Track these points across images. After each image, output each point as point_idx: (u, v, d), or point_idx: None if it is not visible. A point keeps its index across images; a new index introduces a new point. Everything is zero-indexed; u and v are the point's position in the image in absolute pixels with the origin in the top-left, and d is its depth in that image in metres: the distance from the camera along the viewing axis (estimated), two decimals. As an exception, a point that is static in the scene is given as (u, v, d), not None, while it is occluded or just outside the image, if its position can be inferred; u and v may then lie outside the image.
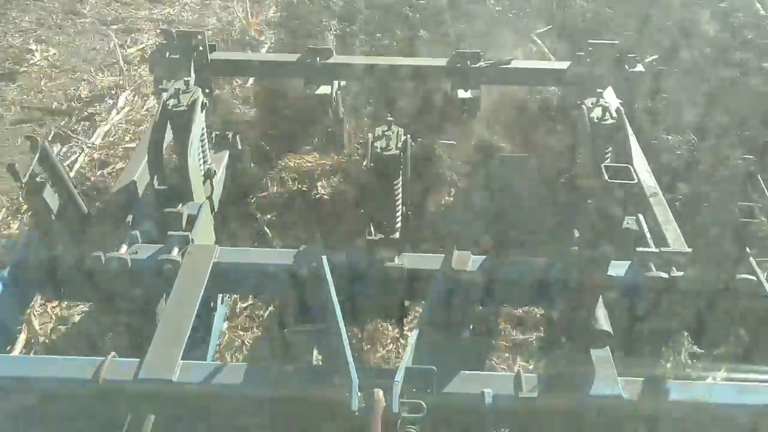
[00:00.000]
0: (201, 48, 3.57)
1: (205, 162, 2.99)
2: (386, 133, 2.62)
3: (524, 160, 3.62)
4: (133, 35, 5.62)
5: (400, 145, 2.57)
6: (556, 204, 2.92)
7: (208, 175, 3.00)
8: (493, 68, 3.59)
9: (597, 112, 2.82)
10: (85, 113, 4.59)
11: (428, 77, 3.79)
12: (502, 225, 3.06)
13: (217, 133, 3.43)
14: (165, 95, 2.85)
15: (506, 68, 3.60)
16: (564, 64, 3.59)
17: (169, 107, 2.79)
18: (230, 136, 3.47)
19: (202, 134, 2.94)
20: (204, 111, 2.91)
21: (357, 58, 4.33)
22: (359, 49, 5.14)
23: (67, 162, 4.10)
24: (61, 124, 4.49)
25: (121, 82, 4.95)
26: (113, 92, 4.83)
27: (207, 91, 3.44)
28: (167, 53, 3.54)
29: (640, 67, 3.49)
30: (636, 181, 2.02)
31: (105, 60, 5.27)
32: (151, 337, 2.13)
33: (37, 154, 2.31)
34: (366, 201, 2.92)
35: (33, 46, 5.33)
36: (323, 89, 3.76)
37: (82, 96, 4.80)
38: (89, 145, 4.29)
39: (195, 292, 2.28)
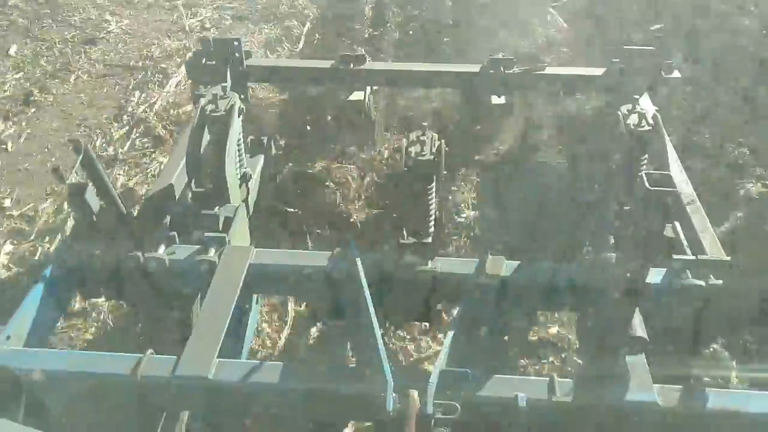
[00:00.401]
0: (237, 54, 3.63)
1: (241, 166, 3.04)
2: (420, 138, 2.63)
3: (560, 166, 3.61)
4: (193, 9, 6.43)
5: (434, 150, 2.58)
6: (591, 210, 2.90)
7: (244, 179, 3.04)
8: (527, 74, 3.59)
9: (633, 119, 2.80)
10: (159, 68, 5.38)
11: (462, 83, 3.80)
12: (537, 231, 3.05)
13: (252, 137, 3.47)
14: (203, 100, 2.90)
15: (540, 74, 3.59)
16: (599, 71, 3.57)
17: (207, 112, 2.84)
18: (265, 140, 3.51)
19: (239, 139, 2.98)
20: (241, 116, 2.95)
21: (390, 65, 4.37)
22: (393, 20, 5.85)
23: (147, 104, 4.89)
24: (139, 77, 5.30)
25: (186, 44, 5.72)
26: (180, 53, 5.57)
27: (243, 96, 3.50)
28: (204, 59, 3.61)
29: (676, 74, 3.45)
30: (677, 189, 2.01)
31: (170, 29, 6.10)
32: (188, 336, 2.17)
33: (81, 156, 2.37)
34: (399, 205, 2.93)
35: (108, 18, 6.21)
36: (356, 95, 3.81)
37: (154, 56, 5.56)
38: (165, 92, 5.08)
39: (231, 292, 2.31)
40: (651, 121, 2.79)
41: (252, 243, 2.86)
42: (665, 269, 2.32)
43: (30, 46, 5.67)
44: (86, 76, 5.31)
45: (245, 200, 3.02)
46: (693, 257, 2.38)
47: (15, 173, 4.20)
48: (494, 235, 3.32)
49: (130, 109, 4.84)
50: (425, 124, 2.67)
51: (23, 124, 4.64)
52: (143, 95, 5.01)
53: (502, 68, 3.57)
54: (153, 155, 4.35)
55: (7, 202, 3.96)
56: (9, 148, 4.39)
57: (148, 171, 4.21)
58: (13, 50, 5.61)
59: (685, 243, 2.54)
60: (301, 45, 5.72)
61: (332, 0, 6.31)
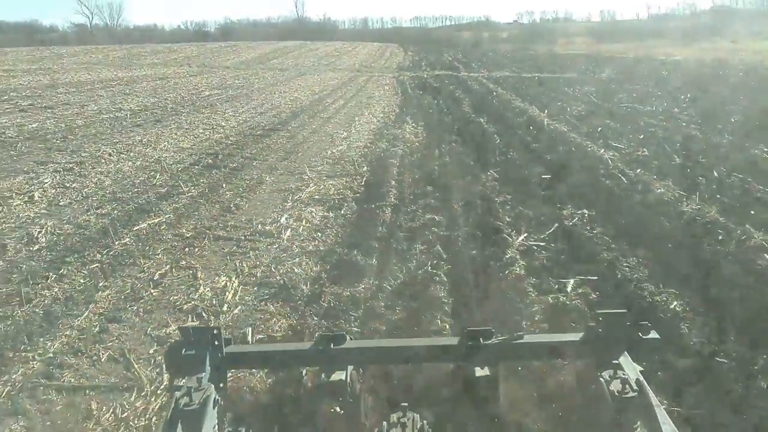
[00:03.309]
0: (216, 342, 3.62)
1: (215, 462, 2.87)
2: (401, 419, 2.54)
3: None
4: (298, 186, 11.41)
5: (417, 432, 2.48)
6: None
7: (219, 477, 2.86)
8: (506, 344, 3.58)
9: (616, 385, 2.75)
10: (298, 189, 10.94)
11: (442, 357, 3.77)
12: None
13: (230, 430, 3.32)
14: (177, 393, 2.83)
15: (519, 343, 3.59)
16: (576, 335, 3.57)
17: (181, 406, 2.76)
18: (243, 431, 3.35)
19: (214, 432, 2.86)
20: (216, 408, 2.87)
21: (370, 342, 4.38)
22: (409, 169, 12.26)
23: (295, 201, 10.17)
24: (282, 201, 10.31)
25: (303, 197, 10.49)
26: (295, 196, 10.51)
27: (221, 385, 3.42)
28: (183, 350, 3.59)
29: (654, 334, 3.46)
30: None
31: (288, 197, 10.53)
32: None
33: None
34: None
35: (264, 176, 12.01)
36: (337, 375, 3.74)
37: (289, 204, 10.08)
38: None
39: None
40: (635, 386, 2.73)
41: None
42: None
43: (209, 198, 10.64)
44: (258, 203, 10.20)
45: (219, 502, 2.80)
46: None
47: (252, 210, 9.70)
48: None
49: (286, 205, 9.87)
50: (405, 404, 2.59)
51: (238, 207, 9.86)
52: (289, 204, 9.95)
53: (480, 339, 3.58)
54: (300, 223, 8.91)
55: (257, 220, 9.03)
56: (242, 209, 9.71)
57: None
58: (192, 197, 10.70)
59: None
60: (363, 184, 10.93)
61: (374, 169, 12.04)
